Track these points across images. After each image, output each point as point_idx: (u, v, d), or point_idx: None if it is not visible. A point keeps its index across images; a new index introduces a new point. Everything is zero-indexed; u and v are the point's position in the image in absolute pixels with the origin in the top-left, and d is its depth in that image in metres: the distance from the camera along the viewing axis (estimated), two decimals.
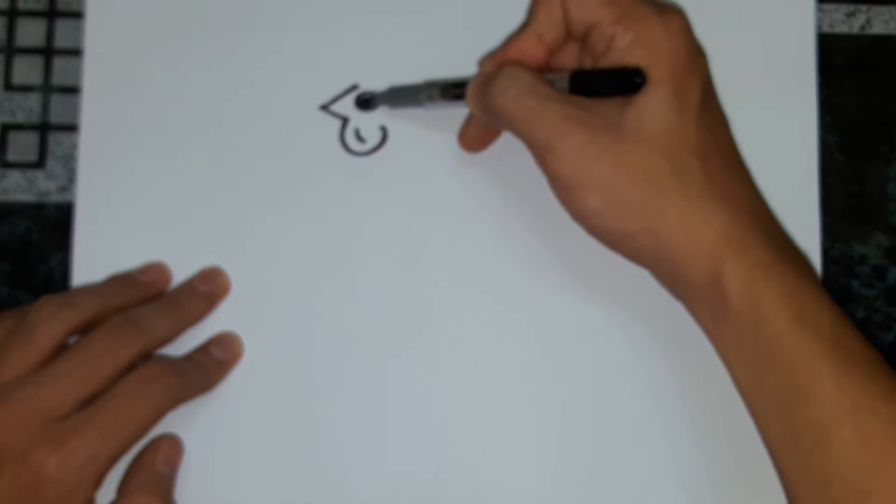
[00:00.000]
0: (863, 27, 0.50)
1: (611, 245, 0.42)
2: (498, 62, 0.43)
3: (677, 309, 0.42)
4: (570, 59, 0.44)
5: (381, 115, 0.48)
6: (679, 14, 0.42)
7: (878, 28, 0.51)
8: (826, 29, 0.50)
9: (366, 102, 0.48)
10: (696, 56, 0.42)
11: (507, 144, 0.46)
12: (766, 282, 0.39)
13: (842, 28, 0.50)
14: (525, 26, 0.43)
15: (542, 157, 0.41)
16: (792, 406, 0.39)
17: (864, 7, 0.50)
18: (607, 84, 0.41)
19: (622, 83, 0.40)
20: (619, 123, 0.40)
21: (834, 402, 0.38)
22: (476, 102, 0.43)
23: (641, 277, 0.43)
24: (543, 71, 0.43)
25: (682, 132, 0.40)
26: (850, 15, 0.50)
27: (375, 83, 0.48)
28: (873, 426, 0.38)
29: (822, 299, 0.40)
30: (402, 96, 0.47)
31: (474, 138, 0.46)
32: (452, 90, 0.45)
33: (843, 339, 0.39)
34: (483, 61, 0.44)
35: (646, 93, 0.40)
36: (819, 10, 0.50)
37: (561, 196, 0.42)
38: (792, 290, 0.40)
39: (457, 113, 0.46)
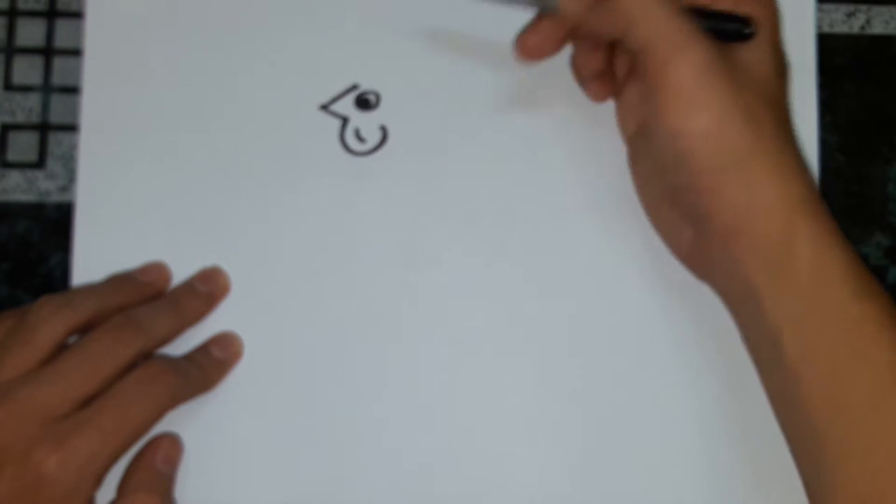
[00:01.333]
0: (863, 27, 0.50)
1: (686, 178, 0.41)
2: None
3: (681, 304, 0.42)
4: None
5: (381, 115, 0.48)
6: None
7: (878, 28, 0.51)
8: (826, 29, 0.50)
9: (366, 102, 0.48)
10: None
11: (507, 145, 0.46)
12: (833, 248, 0.40)
13: (842, 28, 0.50)
14: None
15: (663, 64, 0.40)
16: (846, 371, 0.39)
17: (864, 7, 0.50)
18: (722, 24, 0.42)
19: (733, 29, 0.42)
20: (735, 60, 0.41)
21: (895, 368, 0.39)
22: None
23: (644, 275, 0.43)
24: None
25: (778, 90, 0.42)
26: (850, 15, 0.51)
27: (375, 83, 0.48)
28: None
29: (873, 274, 0.41)
30: None
31: (538, 46, 0.43)
32: None
33: None
34: None
35: (756, 45, 0.42)
36: (819, 10, 0.50)
37: (668, 109, 0.40)
38: (854, 259, 0.40)
39: (460, 111, 0.46)
